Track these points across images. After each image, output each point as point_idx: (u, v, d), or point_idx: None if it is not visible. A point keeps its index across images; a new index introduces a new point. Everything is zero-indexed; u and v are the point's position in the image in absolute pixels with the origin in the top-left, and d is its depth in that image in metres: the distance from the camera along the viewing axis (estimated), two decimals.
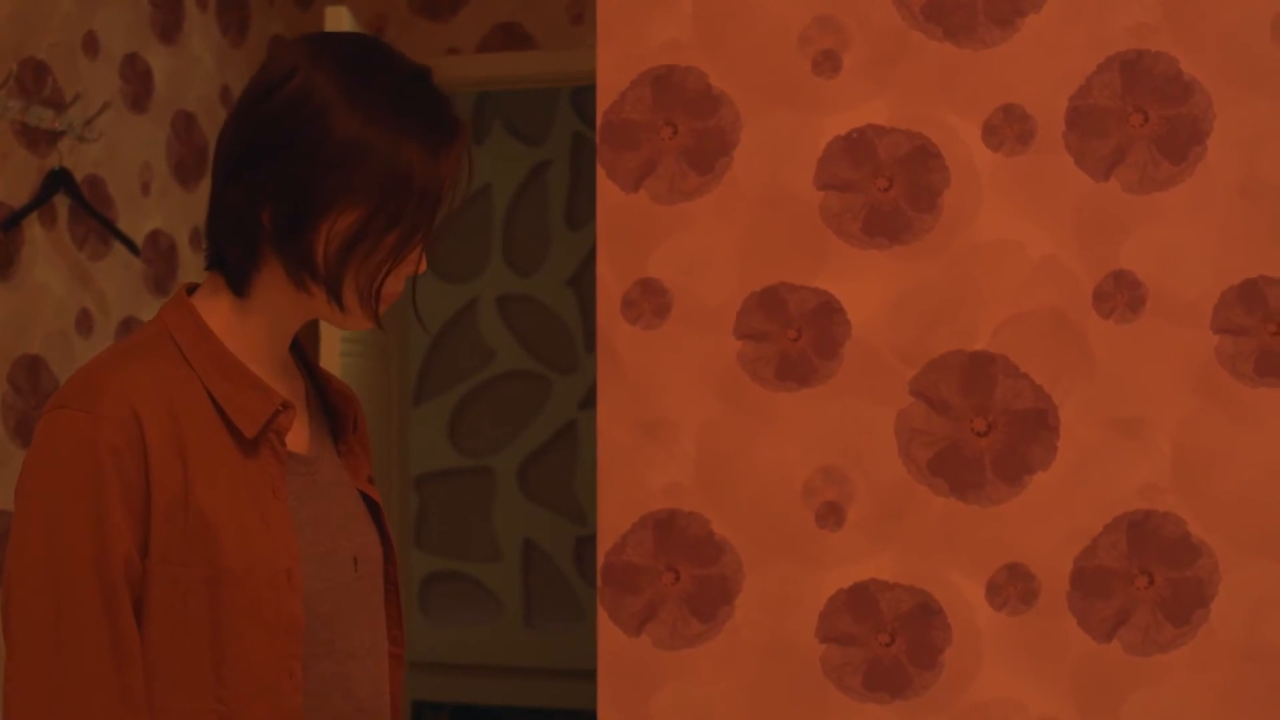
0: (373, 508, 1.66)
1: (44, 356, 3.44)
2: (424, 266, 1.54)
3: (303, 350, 1.66)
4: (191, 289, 1.57)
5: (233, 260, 1.52)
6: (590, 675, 5.75)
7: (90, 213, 3.54)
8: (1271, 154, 2.28)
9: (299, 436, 1.58)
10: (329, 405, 1.66)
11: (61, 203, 3.51)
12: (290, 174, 1.46)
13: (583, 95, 6.38)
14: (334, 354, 3.89)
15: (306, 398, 1.63)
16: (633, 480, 2.46)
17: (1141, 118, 2.32)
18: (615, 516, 2.46)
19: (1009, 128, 2.35)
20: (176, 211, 4.01)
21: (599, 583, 2.47)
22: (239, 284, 1.52)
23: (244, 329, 1.53)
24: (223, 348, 1.51)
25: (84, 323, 3.59)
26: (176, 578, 1.43)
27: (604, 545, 2.47)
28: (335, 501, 1.58)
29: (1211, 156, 2.30)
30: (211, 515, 1.44)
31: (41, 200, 3.38)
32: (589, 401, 6.34)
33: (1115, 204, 2.32)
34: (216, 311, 1.53)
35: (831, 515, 2.40)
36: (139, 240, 3.83)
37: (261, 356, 1.54)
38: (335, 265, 1.48)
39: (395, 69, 1.50)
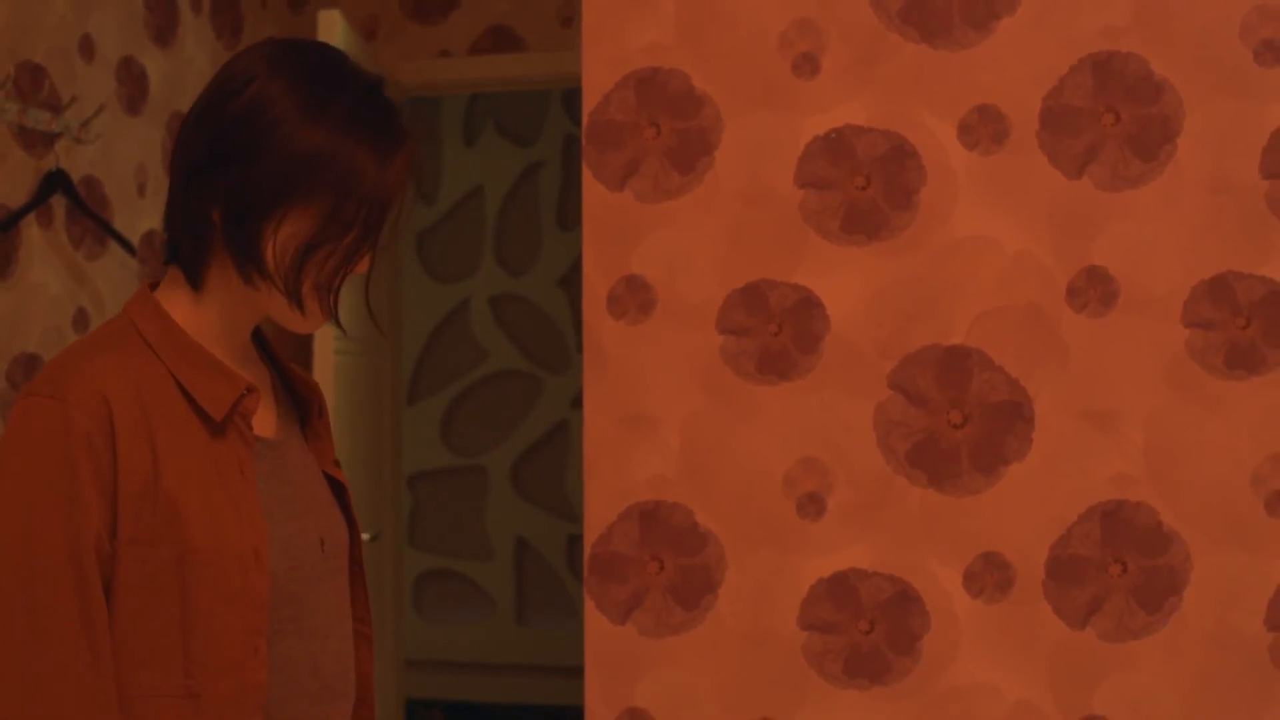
0: (338, 491, 1.71)
1: (41, 354, 3.48)
2: (364, 267, 1.59)
3: (265, 342, 1.71)
4: (154, 286, 1.62)
5: (185, 254, 1.57)
6: (582, 672, 5.78)
7: (87, 213, 3.57)
8: (1240, 152, 2.33)
9: (265, 421, 1.63)
10: (294, 393, 1.71)
11: (58, 204, 3.55)
12: (242, 179, 1.51)
13: (574, 97, 6.40)
14: (328, 353, 3.91)
15: (272, 386, 1.68)
16: (618, 472, 2.50)
17: (1113, 117, 2.36)
18: (601, 508, 2.51)
19: (984, 127, 2.40)
20: None
21: (585, 573, 2.51)
22: (192, 276, 1.58)
23: (202, 319, 1.58)
24: (186, 336, 1.56)
25: (80, 321, 3.64)
26: (145, 558, 1.47)
27: (590, 536, 2.51)
28: (302, 485, 1.63)
29: (1181, 155, 2.34)
30: (180, 497, 1.48)
31: (39, 201, 3.41)
32: (581, 401, 6.37)
33: (1088, 201, 2.37)
34: (177, 303, 1.59)
35: (812, 505, 2.44)
36: (135, 240, 3.87)
37: (221, 345, 1.60)
38: (293, 269, 1.54)
39: (349, 80, 1.55)
